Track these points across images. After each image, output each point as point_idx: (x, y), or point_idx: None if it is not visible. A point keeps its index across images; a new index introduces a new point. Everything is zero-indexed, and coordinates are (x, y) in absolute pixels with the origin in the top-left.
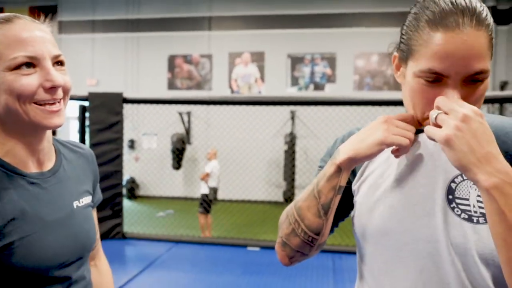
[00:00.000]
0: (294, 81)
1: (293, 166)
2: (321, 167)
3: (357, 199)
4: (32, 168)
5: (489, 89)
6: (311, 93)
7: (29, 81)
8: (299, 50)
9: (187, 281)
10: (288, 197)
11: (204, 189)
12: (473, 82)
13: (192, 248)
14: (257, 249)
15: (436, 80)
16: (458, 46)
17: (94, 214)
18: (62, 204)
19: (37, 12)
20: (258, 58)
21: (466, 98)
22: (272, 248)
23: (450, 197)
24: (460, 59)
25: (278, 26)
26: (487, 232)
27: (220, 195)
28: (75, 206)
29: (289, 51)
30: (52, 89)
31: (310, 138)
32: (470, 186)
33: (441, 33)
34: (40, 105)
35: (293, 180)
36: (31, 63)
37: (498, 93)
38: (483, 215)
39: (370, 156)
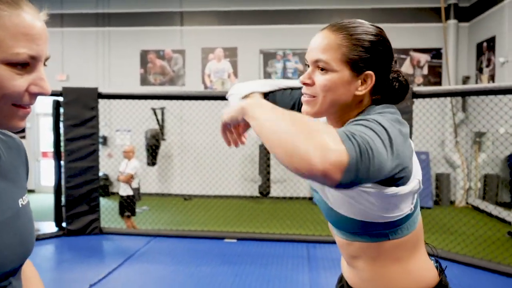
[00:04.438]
0: (267, 77)
1: (268, 159)
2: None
3: None
4: None
5: (453, 83)
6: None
7: (20, 83)
8: (271, 46)
9: (166, 273)
10: (263, 190)
11: (127, 191)
12: (320, 68)
13: (171, 242)
14: (234, 240)
15: None
16: (312, 40)
17: None
18: (9, 202)
19: None
20: (231, 53)
21: (315, 78)
22: (249, 239)
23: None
24: (311, 49)
25: (250, 22)
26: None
27: (196, 191)
28: (20, 205)
29: (262, 46)
30: (37, 94)
31: None
32: None
33: None
34: (17, 106)
35: (268, 173)
36: (27, 62)
37: (460, 87)
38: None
39: None
